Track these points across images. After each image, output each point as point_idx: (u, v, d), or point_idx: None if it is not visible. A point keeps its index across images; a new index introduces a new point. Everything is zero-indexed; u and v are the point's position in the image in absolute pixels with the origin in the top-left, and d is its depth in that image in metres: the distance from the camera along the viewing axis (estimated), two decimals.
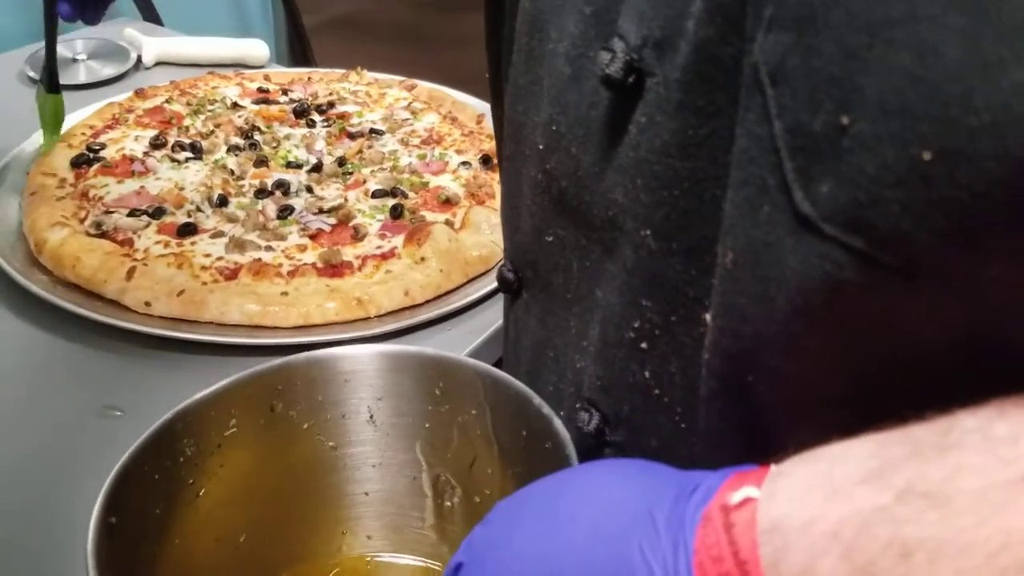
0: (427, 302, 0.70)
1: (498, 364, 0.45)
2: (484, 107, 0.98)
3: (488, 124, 0.94)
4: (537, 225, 0.39)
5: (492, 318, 0.69)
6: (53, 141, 0.83)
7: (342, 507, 0.45)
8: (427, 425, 0.43)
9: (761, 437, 0.29)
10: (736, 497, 0.24)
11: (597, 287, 0.36)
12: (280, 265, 0.70)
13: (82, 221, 0.74)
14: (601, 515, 0.26)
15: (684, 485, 0.26)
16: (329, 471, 0.44)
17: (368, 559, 0.45)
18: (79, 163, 0.81)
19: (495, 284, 0.72)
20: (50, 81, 0.80)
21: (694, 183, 0.29)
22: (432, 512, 0.45)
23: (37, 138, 0.85)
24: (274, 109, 0.93)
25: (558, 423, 0.37)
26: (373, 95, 0.98)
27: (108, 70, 1.04)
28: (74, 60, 1.05)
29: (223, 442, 0.41)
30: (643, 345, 0.33)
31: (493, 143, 0.90)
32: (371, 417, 0.43)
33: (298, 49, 1.51)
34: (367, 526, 0.45)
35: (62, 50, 1.05)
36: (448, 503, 0.44)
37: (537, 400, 0.38)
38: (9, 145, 0.85)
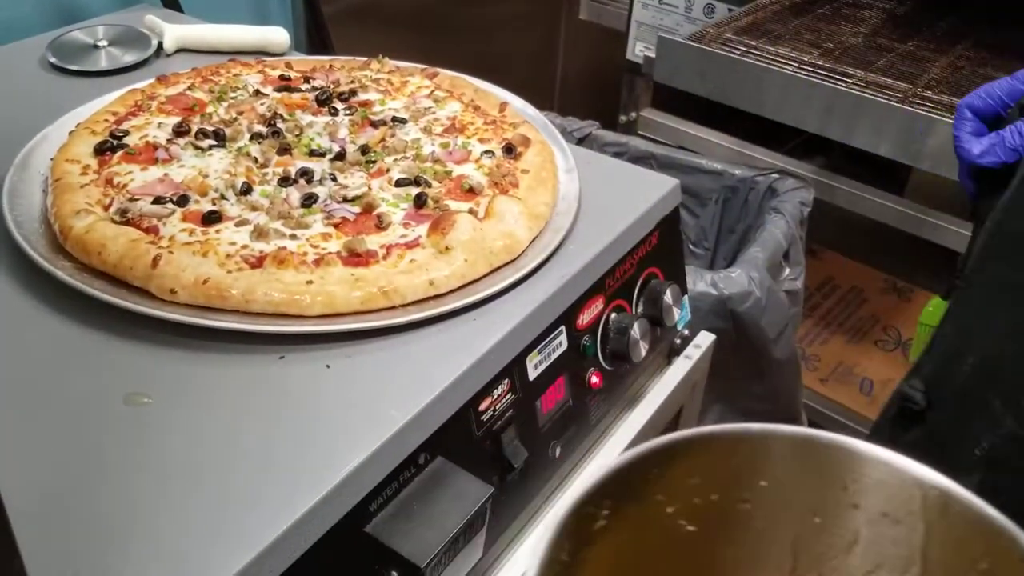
0: (451, 292, 0.71)
1: None
2: (506, 95, 0.98)
3: (511, 112, 0.93)
4: None
5: (515, 310, 0.70)
6: None
7: None
8: (816, 520, 0.36)
9: None
10: None
11: None
12: (305, 254, 0.70)
13: (106, 208, 0.74)
14: None
15: None
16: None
17: None
18: (102, 150, 0.81)
19: (519, 274, 0.72)
20: None
21: None
22: None
23: (60, 124, 0.85)
24: (296, 97, 0.93)
25: None
26: (395, 83, 0.98)
27: (129, 57, 1.04)
28: (95, 46, 1.05)
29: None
30: None
31: (516, 130, 0.90)
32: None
33: (316, 37, 1.50)
34: None
35: (83, 36, 1.06)
36: None
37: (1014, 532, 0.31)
38: (32, 131, 0.85)
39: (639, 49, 1.86)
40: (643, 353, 0.81)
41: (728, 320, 1.01)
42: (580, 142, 1.39)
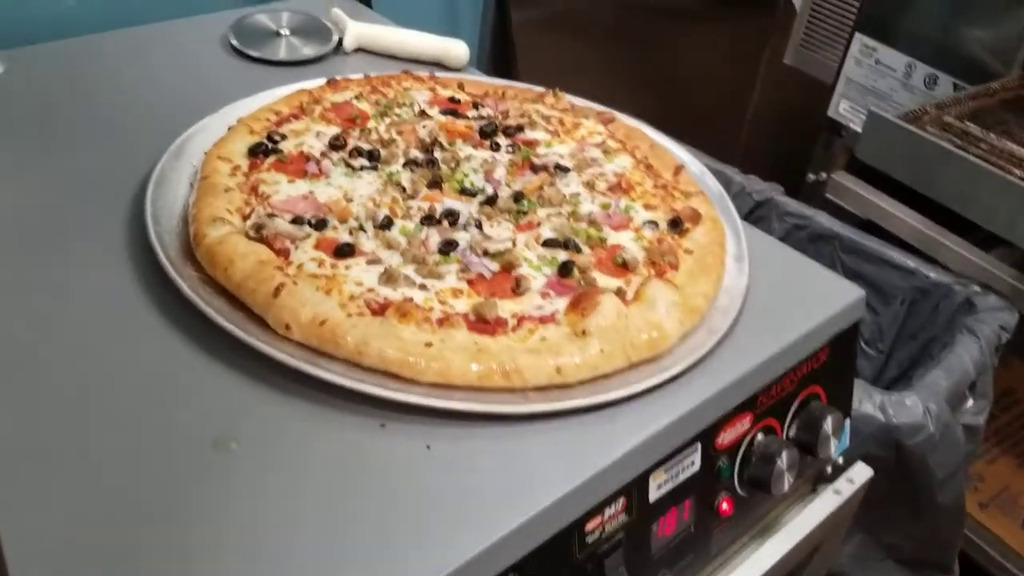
0: (580, 383, 0.63)
1: None
2: (685, 156, 0.89)
3: (686, 177, 0.84)
4: None
5: (648, 419, 0.61)
6: None
7: None
8: None
9: None
10: None
11: None
12: (431, 309, 0.64)
13: (245, 217, 0.71)
14: None
15: None
16: None
17: None
18: (256, 152, 0.78)
19: (661, 377, 0.64)
20: None
21: None
22: None
23: (223, 114, 0.83)
24: (460, 124, 0.87)
25: None
26: (566, 123, 0.91)
27: (308, 49, 1.02)
28: (277, 33, 1.04)
29: None
30: None
31: (687, 200, 0.81)
32: None
33: (501, 50, 1.45)
34: None
35: (267, 21, 1.04)
36: None
37: None
38: (198, 114, 0.83)
39: (843, 107, 1.71)
40: (787, 486, 0.70)
41: (891, 450, 0.88)
42: (759, 206, 1.28)
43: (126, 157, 0.80)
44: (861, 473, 0.80)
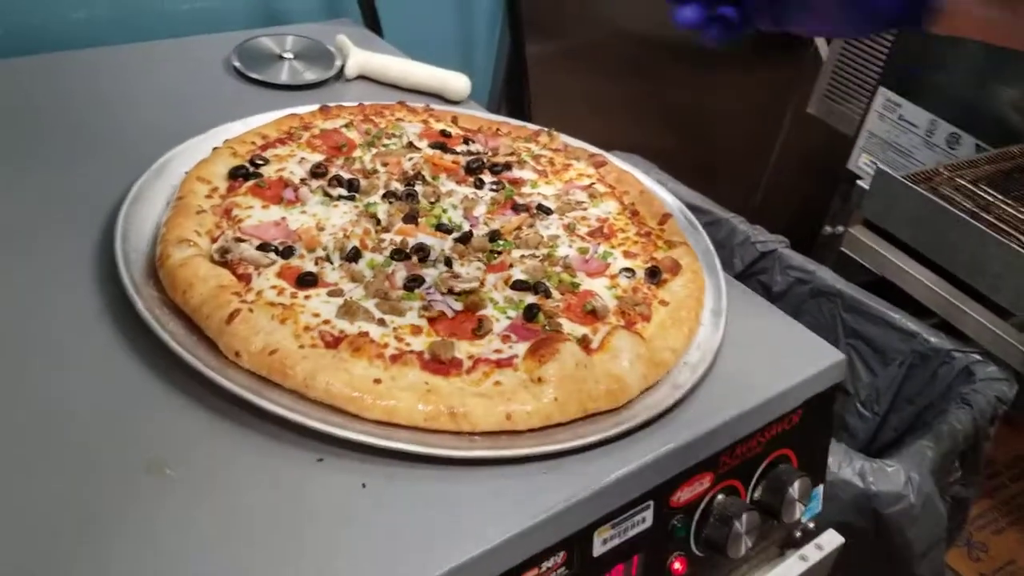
0: (530, 431, 0.61)
1: None
2: (675, 204, 0.87)
3: (672, 227, 0.83)
4: None
5: (597, 472, 0.59)
6: None
7: None
8: None
9: None
10: None
11: None
12: (385, 345, 0.63)
13: (214, 240, 0.70)
14: None
15: None
16: None
17: None
18: (236, 175, 0.78)
19: (615, 431, 0.62)
20: None
21: None
22: None
23: (211, 135, 0.84)
24: (447, 159, 0.87)
25: None
26: (557, 164, 0.90)
27: (310, 74, 1.03)
28: (280, 57, 1.04)
29: None
30: None
31: (670, 250, 0.79)
32: None
33: (516, 84, 1.45)
34: None
35: (271, 44, 1.05)
36: None
37: None
38: (190, 134, 0.83)
39: (862, 161, 1.68)
40: (743, 549, 0.68)
41: (870, 519, 0.85)
42: (762, 257, 1.25)
43: (112, 173, 0.80)
44: (831, 540, 0.77)
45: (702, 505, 0.67)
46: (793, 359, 0.73)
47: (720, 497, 0.68)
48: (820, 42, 1.90)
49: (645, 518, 0.64)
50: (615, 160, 0.92)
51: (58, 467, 0.54)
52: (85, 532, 0.51)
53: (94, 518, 0.52)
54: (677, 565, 0.67)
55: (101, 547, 0.50)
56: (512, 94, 1.50)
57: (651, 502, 0.63)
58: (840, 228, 1.59)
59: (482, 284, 0.71)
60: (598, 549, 0.61)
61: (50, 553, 0.49)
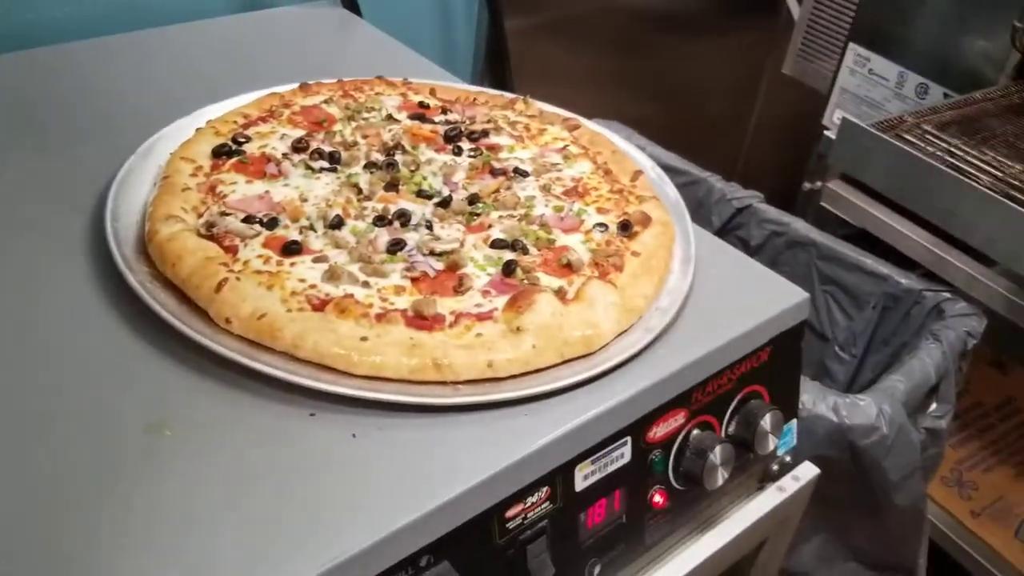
0: (511, 377, 0.65)
1: None
2: (647, 164, 0.91)
3: (643, 183, 0.86)
4: None
5: (574, 412, 0.63)
6: None
7: None
8: None
9: None
10: None
11: None
12: (370, 305, 0.67)
13: (200, 216, 0.74)
14: None
15: None
16: None
17: None
18: (219, 153, 0.81)
19: (590, 372, 0.66)
20: None
21: None
22: None
23: (196, 116, 0.87)
24: (426, 128, 0.90)
25: None
26: (532, 129, 0.93)
27: None
28: None
29: None
30: None
31: (641, 205, 0.83)
32: None
33: (496, 58, 1.48)
34: None
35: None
36: None
37: None
38: (172, 116, 0.86)
39: (836, 117, 1.71)
40: (720, 481, 0.72)
41: (847, 451, 0.89)
42: (739, 212, 1.29)
43: (101, 158, 0.83)
44: (807, 471, 0.81)
45: (678, 440, 0.71)
46: (759, 300, 0.76)
47: (695, 432, 0.72)
48: (792, 2, 1.93)
49: (624, 453, 0.67)
50: (590, 124, 0.96)
51: (62, 433, 0.58)
52: (100, 490, 0.54)
53: (103, 477, 0.55)
54: (658, 498, 0.71)
55: (117, 502, 0.53)
56: (494, 69, 1.52)
57: (628, 438, 0.67)
58: (819, 184, 1.62)
59: (462, 245, 0.74)
60: (580, 484, 0.65)
61: (53, 514, 0.53)
